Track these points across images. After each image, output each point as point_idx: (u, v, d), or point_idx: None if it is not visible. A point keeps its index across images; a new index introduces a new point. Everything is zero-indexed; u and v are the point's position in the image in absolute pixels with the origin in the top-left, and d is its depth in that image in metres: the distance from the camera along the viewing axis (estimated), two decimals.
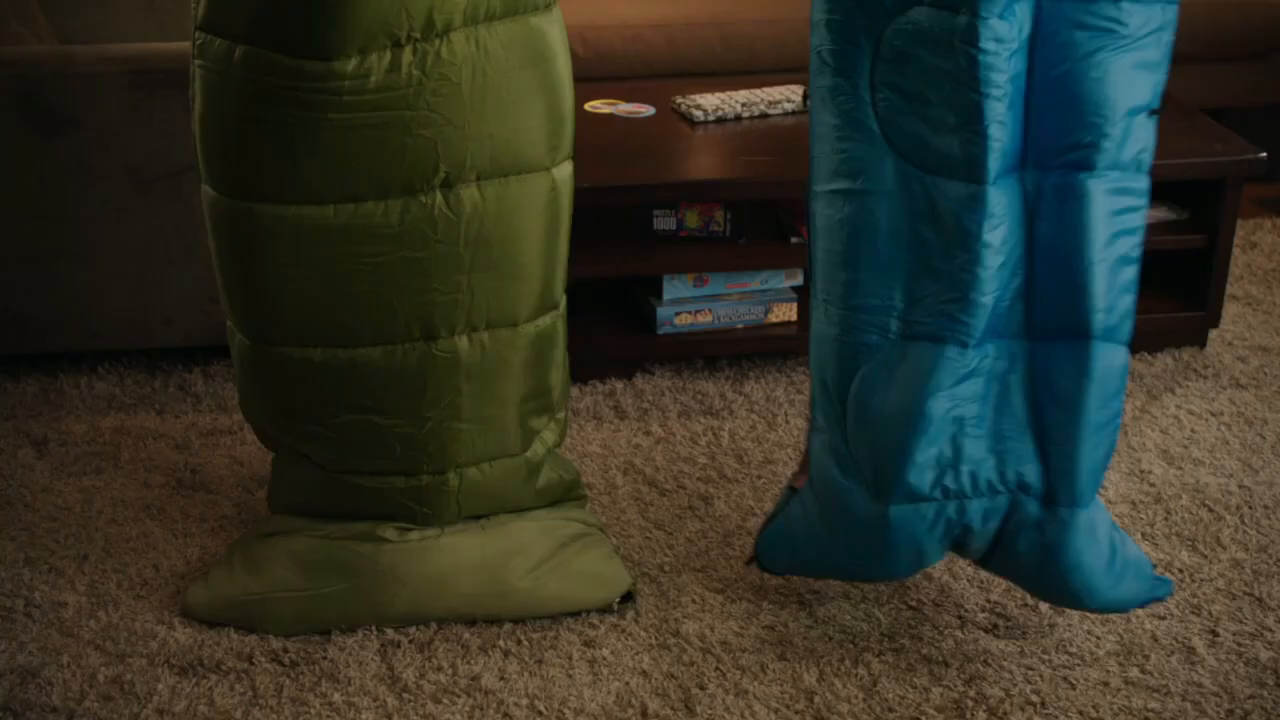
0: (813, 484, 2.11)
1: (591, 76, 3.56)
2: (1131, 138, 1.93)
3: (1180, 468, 2.55)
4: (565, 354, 2.19)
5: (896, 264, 1.96)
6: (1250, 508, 2.43)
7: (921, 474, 1.98)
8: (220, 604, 2.13)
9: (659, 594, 2.21)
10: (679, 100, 3.07)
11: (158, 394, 2.78)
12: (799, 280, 2.87)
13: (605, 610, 2.16)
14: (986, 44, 1.83)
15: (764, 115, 3.04)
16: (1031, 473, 2.00)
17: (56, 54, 2.65)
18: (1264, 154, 2.80)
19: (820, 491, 2.09)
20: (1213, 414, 2.72)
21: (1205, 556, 2.30)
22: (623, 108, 3.08)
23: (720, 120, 3.01)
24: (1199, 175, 2.81)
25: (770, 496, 2.46)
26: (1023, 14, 1.86)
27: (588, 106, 3.07)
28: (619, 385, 2.82)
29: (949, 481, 1.98)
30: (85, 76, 2.57)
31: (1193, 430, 2.67)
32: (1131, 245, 1.97)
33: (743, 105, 3.04)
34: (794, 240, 2.82)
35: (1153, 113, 1.95)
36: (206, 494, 2.47)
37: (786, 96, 3.08)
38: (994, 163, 1.87)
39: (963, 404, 1.96)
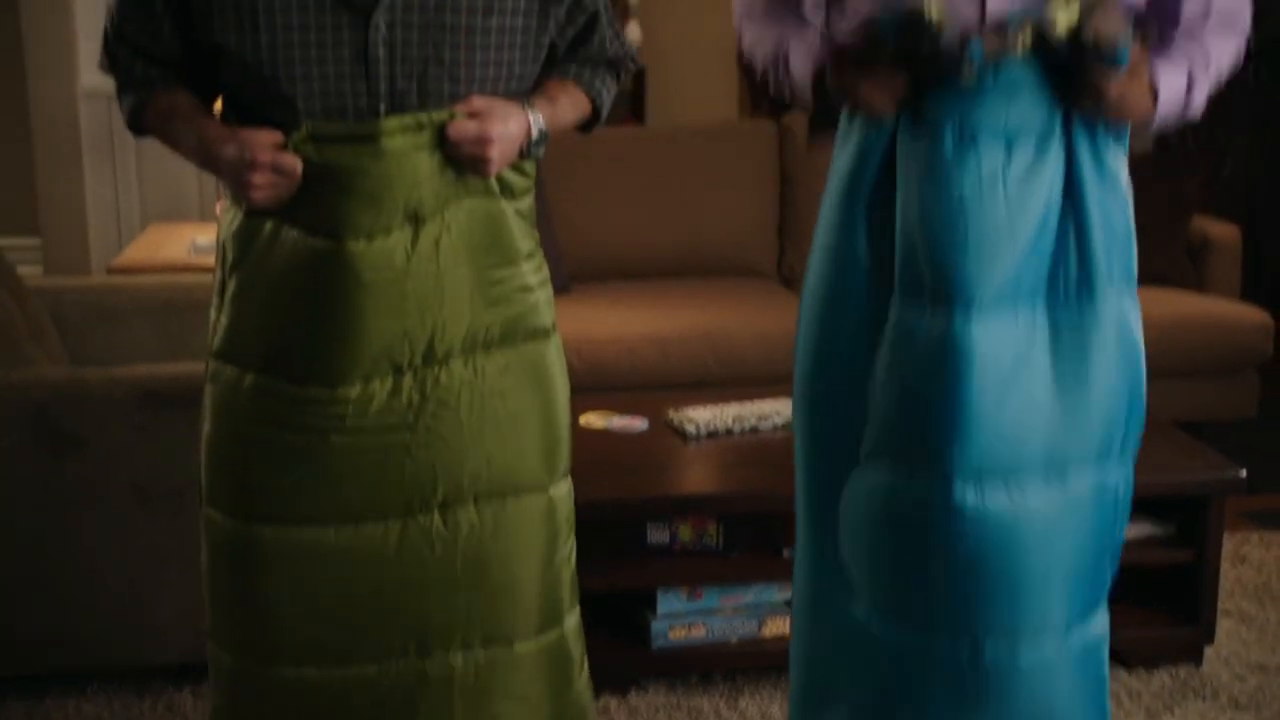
0: None
1: (586, 387, 3.65)
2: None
3: None
4: (586, 675, 2.15)
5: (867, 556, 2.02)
6: None
7: None
8: None
9: None
10: (672, 415, 3.14)
11: (145, 716, 2.73)
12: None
13: None
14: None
15: (754, 429, 3.11)
16: None
17: (68, 377, 2.72)
18: (1244, 471, 2.84)
19: None
20: None
21: None
22: (616, 422, 3.15)
23: (712, 434, 3.08)
24: (1181, 493, 2.85)
25: None
26: (1026, 319, 1.86)
27: (582, 421, 3.13)
28: (613, 701, 2.78)
29: None
30: (95, 399, 2.63)
31: None
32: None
33: (734, 419, 3.10)
34: (786, 553, 2.84)
35: None
36: None
37: (776, 410, 3.16)
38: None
39: None
